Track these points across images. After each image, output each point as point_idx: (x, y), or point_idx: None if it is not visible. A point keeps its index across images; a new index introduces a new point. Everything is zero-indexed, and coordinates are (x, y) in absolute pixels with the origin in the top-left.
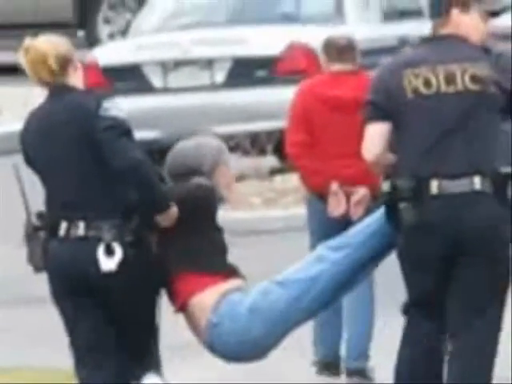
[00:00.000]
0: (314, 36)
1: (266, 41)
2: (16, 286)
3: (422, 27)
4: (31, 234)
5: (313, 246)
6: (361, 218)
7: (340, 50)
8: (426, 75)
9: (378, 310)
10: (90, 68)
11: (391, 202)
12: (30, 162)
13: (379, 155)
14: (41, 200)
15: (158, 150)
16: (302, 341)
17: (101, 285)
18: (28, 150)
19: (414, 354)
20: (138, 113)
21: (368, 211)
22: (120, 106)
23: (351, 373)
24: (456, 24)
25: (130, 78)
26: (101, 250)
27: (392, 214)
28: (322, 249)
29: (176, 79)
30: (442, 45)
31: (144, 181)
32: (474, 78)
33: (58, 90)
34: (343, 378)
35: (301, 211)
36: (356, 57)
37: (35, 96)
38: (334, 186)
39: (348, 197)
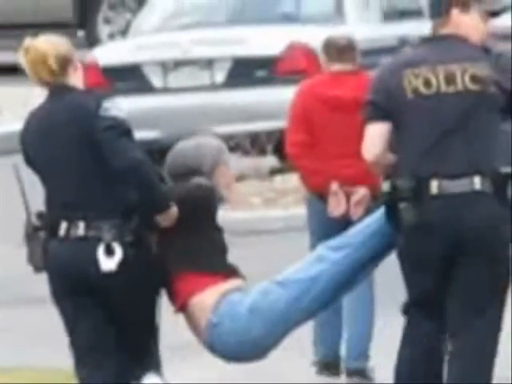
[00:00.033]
0: (313, 36)
1: (265, 41)
2: (16, 286)
3: (422, 27)
4: (31, 234)
5: (313, 246)
6: (361, 218)
7: (340, 50)
8: (426, 75)
9: (377, 310)
10: (90, 68)
11: (391, 202)
12: (30, 162)
13: (379, 155)
14: (41, 200)
15: (157, 150)
16: (301, 341)
17: (101, 285)
18: (28, 150)
19: (413, 354)
20: (138, 113)
21: (368, 211)
22: (120, 106)
23: (351, 373)
24: (456, 24)
25: (130, 78)
26: (101, 250)
27: (392, 214)
28: (322, 249)
29: (176, 79)
30: (442, 45)
31: (144, 181)
32: (474, 78)
33: (58, 90)
34: (343, 378)
35: (301, 211)
36: (356, 57)
37: (35, 96)
38: (334, 186)
39: (348, 197)
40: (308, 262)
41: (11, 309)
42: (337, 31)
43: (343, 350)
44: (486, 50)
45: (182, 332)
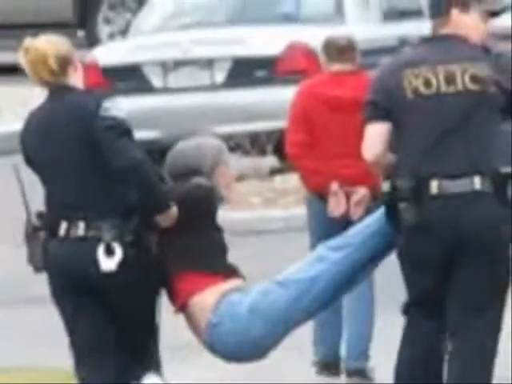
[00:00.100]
0: (313, 36)
1: (265, 41)
2: (16, 286)
3: (422, 27)
4: (31, 234)
5: (313, 246)
6: (361, 218)
7: (340, 50)
8: (426, 75)
9: (377, 310)
10: (89, 68)
11: (391, 202)
12: (30, 162)
13: (379, 155)
14: (41, 200)
15: (157, 150)
16: (301, 341)
17: (100, 285)
18: (28, 150)
19: (413, 354)
20: (138, 113)
21: (368, 211)
22: (120, 106)
23: (351, 373)
24: (456, 24)
25: (130, 78)
26: (101, 250)
27: (392, 214)
28: (322, 249)
29: (176, 79)
30: (442, 45)
31: (144, 181)
32: (474, 78)
33: (58, 90)
34: (343, 378)
35: (301, 211)
36: (356, 57)
37: (35, 96)
38: (334, 186)
39: (348, 197)
40: (308, 262)
41: (11, 308)
42: (337, 31)
43: (343, 350)
44: (486, 50)
45: (181, 332)
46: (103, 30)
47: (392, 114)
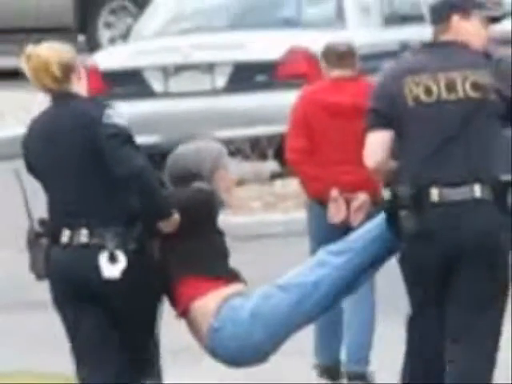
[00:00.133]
0: (314, 41)
1: (266, 45)
2: (18, 290)
3: (423, 32)
4: (33, 240)
5: (313, 251)
6: (361, 224)
7: (340, 56)
8: (427, 83)
9: (378, 315)
10: (90, 73)
11: (392, 210)
12: (32, 169)
13: (381, 162)
14: (43, 205)
15: (158, 155)
16: (302, 344)
17: (102, 291)
18: (30, 156)
19: (419, 363)
20: (138, 117)
21: (368, 217)
22: (122, 113)
23: (352, 377)
24: (456, 30)
25: (130, 82)
26: (104, 258)
27: (393, 221)
28: (323, 253)
29: (177, 84)
30: (442, 52)
31: (146, 188)
32: (474, 86)
33: (62, 97)
34: (344, 382)
35: (301, 216)
36: (356, 63)
37: (38, 101)
38: (334, 193)
39: (348, 203)
40: (309, 267)
41: (12, 313)
42: (337, 36)
43: (343, 355)
44: (487, 56)
45: (182, 336)
46: (104, 34)
47: (393, 122)
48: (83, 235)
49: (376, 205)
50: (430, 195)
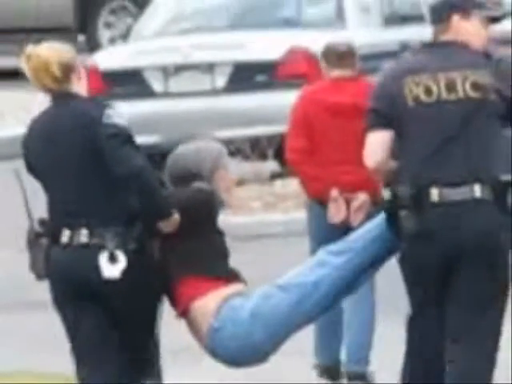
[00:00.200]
0: (314, 40)
1: (266, 45)
2: (18, 290)
3: (423, 32)
4: (33, 240)
5: (313, 251)
6: (361, 224)
7: (340, 56)
8: (427, 83)
9: (378, 315)
10: (90, 73)
11: (392, 210)
12: (32, 169)
13: (381, 162)
14: (43, 205)
15: (158, 155)
16: (302, 344)
17: (102, 291)
18: (30, 156)
19: (419, 363)
20: (138, 117)
21: (368, 217)
22: (122, 113)
23: (352, 377)
24: (456, 30)
25: (130, 82)
26: (104, 258)
27: (393, 221)
28: (323, 253)
29: (177, 84)
30: (442, 52)
31: (146, 188)
32: (474, 86)
33: (62, 97)
34: (344, 381)
35: (301, 215)
36: (356, 63)
37: (38, 101)
38: (334, 193)
39: (348, 203)
40: (309, 267)
41: (12, 313)
42: (337, 36)
43: (343, 355)
44: (487, 56)
45: (182, 336)
46: (104, 34)
47: (393, 122)
48: (83, 235)
49: (376, 205)
50: (429, 195)
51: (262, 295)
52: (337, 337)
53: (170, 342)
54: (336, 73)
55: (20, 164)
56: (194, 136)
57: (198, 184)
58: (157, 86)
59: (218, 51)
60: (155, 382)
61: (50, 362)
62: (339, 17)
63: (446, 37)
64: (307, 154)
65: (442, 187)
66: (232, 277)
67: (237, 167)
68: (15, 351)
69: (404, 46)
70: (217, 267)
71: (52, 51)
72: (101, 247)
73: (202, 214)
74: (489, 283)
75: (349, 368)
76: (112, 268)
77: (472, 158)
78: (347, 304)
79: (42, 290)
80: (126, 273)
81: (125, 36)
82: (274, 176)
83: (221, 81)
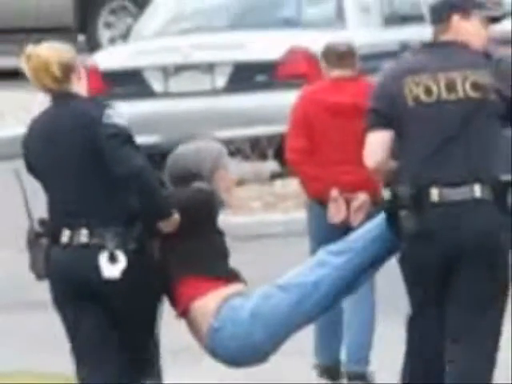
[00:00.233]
0: (314, 40)
1: (266, 45)
2: (18, 290)
3: (423, 32)
4: (33, 240)
5: (313, 251)
6: (361, 224)
7: (340, 56)
8: (427, 83)
9: (378, 315)
10: (90, 73)
11: (392, 210)
12: (32, 169)
13: (381, 162)
14: (43, 205)
15: (158, 155)
16: (302, 344)
17: (102, 291)
18: (30, 156)
19: (419, 363)
20: (138, 117)
21: (368, 217)
22: (122, 113)
23: (352, 377)
24: (456, 30)
25: (130, 82)
26: (104, 258)
27: (393, 221)
28: (323, 253)
29: (177, 84)
30: (442, 52)
31: (146, 188)
32: (474, 86)
33: (62, 97)
34: (344, 381)
35: (301, 215)
36: (356, 63)
37: (38, 101)
38: (334, 193)
39: (348, 203)
40: (309, 267)
41: (12, 313)
42: (337, 36)
43: (343, 355)
44: (487, 56)
45: (182, 336)
46: (104, 34)
47: (393, 122)
48: (83, 235)
49: (376, 205)
50: (429, 195)
51: (262, 295)
52: (337, 337)
53: (170, 342)
54: (336, 73)
55: (20, 164)
56: (194, 136)
57: (197, 184)
58: (157, 86)
59: (217, 51)
60: (155, 382)
61: (50, 362)
62: (339, 17)
63: (446, 37)
64: (307, 154)
65: (442, 187)
66: (232, 277)
67: (237, 167)
68: (15, 351)
69: (404, 46)
70: (217, 267)
71: (52, 51)
72: (101, 247)
73: (202, 213)
74: (489, 283)
75: (349, 368)
76: (112, 268)
77: (472, 158)
78: (347, 304)
79: (42, 290)
80: (126, 273)
81: (125, 36)
82: (274, 176)
83: (221, 81)
